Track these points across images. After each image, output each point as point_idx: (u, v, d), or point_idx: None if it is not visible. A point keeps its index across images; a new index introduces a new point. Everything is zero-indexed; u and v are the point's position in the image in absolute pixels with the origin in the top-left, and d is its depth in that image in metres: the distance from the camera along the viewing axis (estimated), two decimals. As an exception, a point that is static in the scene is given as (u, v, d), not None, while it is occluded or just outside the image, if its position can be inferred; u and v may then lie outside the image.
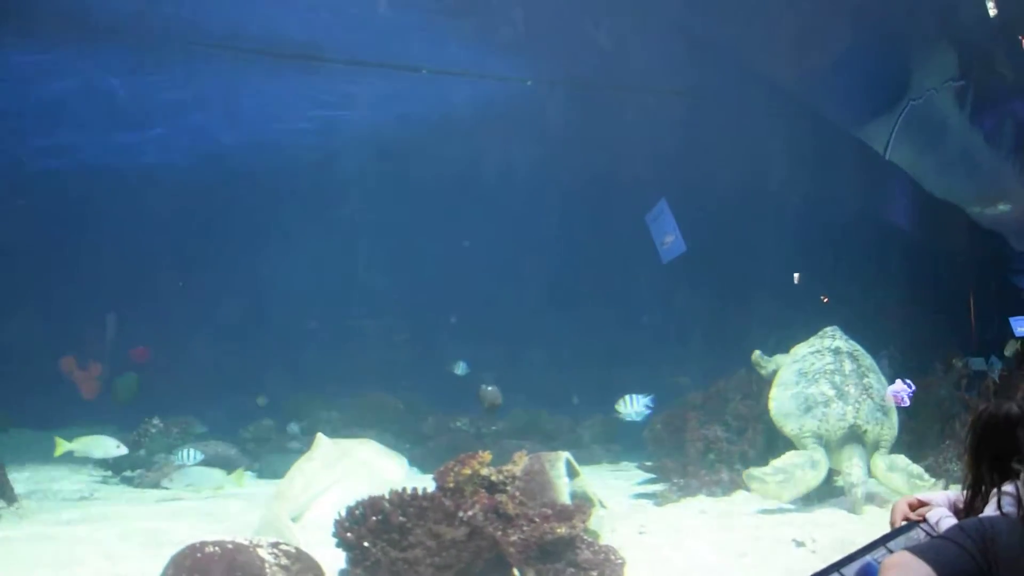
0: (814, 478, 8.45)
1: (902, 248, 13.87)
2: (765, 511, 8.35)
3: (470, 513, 5.33)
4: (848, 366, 9.16)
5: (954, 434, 9.51)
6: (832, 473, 8.72)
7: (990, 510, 2.71)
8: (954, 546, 2.35)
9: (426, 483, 5.83)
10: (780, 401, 9.19)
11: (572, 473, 6.84)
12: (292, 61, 13.74)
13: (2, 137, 14.61)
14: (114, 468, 11.33)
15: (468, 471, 5.50)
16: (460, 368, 12.75)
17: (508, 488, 5.53)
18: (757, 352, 10.04)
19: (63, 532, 7.75)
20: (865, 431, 8.56)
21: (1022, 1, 10.06)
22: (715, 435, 9.77)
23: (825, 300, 14.96)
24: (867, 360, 9.43)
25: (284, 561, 4.96)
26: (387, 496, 5.42)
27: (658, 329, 15.92)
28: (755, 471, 8.60)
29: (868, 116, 12.64)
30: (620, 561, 5.50)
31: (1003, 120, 11.38)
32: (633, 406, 10.36)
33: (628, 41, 12.85)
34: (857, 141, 12.96)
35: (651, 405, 10.41)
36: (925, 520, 3.03)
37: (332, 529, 5.46)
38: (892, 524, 3.14)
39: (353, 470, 8.24)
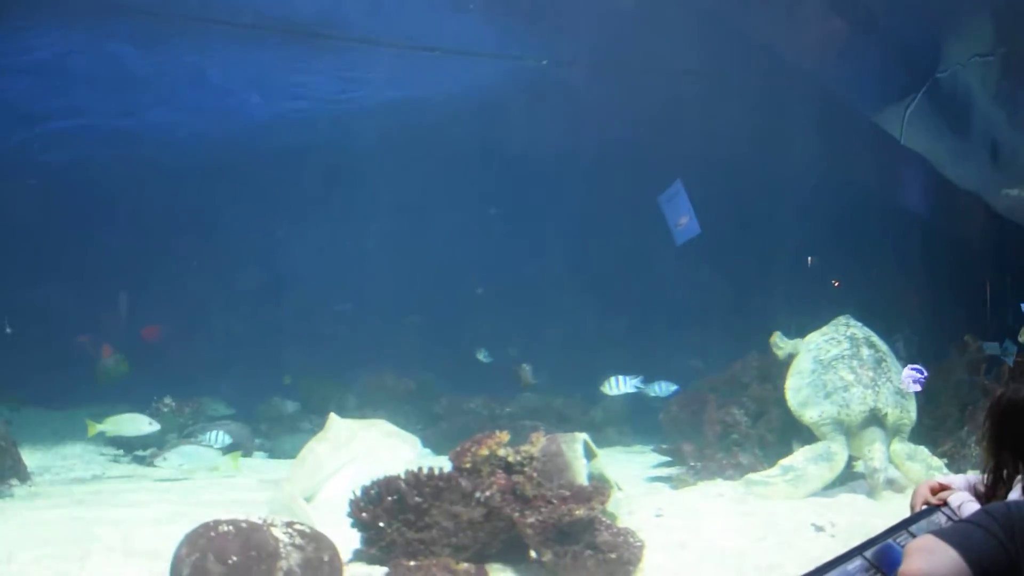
0: (830, 471, 8.30)
1: (918, 233, 13.72)
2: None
3: (487, 494, 5.25)
4: (865, 351, 9.04)
5: (973, 419, 9.39)
6: (851, 459, 8.62)
7: (1015, 495, 2.68)
8: (980, 530, 2.29)
9: (440, 464, 5.75)
10: (797, 390, 9.05)
11: (589, 454, 6.76)
12: (305, 39, 13.62)
13: (10, 115, 14.57)
14: (126, 447, 11.31)
15: (485, 451, 5.41)
16: (483, 355, 12.70)
17: (526, 469, 5.43)
18: (778, 333, 9.90)
19: (76, 510, 7.73)
20: (886, 415, 8.44)
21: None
22: (733, 418, 9.65)
23: (836, 284, 14.84)
24: (883, 346, 9.31)
25: (299, 540, 4.89)
26: (403, 476, 5.34)
27: (677, 311, 15.79)
28: (755, 476, 8.46)
29: (886, 100, 12.45)
30: (639, 544, 5.41)
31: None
32: (619, 387, 10.31)
33: (643, 20, 12.67)
34: (874, 124, 12.80)
35: (640, 386, 10.34)
36: (946, 504, 2.99)
37: (347, 509, 5.39)
38: (913, 508, 3.10)
39: (366, 450, 8.18)
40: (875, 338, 9.36)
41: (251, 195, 16.15)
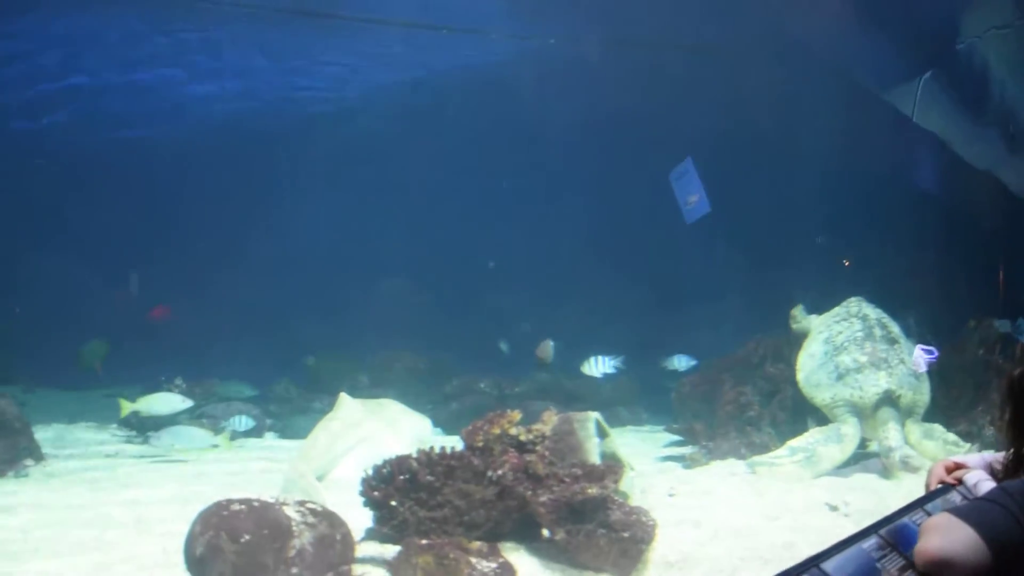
0: (840, 452, 8.26)
1: (933, 212, 13.61)
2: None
3: (499, 473, 5.22)
4: (878, 332, 8.96)
5: (986, 399, 9.33)
6: (864, 439, 8.57)
7: None
8: (998, 508, 2.26)
9: (452, 443, 5.73)
10: (809, 371, 8.99)
11: (601, 434, 6.73)
12: (312, 19, 13.57)
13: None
14: (138, 428, 11.32)
15: (497, 430, 5.38)
16: (504, 346, 12.66)
17: (538, 448, 5.41)
18: (800, 306, 9.78)
19: (91, 490, 7.78)
20: (899, 396, 8.38)
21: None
22: (746, 398, 9.60)
23: (847, 263, 14.74)
24: (895, 327, 9.23)
25: (311, 519, 4.89)
26: (415, 455, 5.33)
27: (691, 287, 15.73)
28: (763, 457, 8.43)
29: (899, 77, 12.33)
30: (651, 522, 5.38)
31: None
32: (599, 367, 10.28)
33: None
34: (887, 102, 12.70)
35: (620, 367, 10.30)
36: (962, 483, 2.96)
37: (358, 488, 5.38)
38: (928, 487, 3.07)
39: (377, 430, 8.18)
40: (888, 319, 9.27)
41: (264, 172, 16.15)
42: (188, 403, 10.19)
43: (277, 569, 4.63)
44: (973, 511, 2.29)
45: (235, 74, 15.19)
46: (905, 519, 2.76)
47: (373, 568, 4.92)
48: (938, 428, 8.49)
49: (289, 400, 12.74)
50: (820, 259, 14.24)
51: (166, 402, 10.17)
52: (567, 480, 5.26)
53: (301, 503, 5.04)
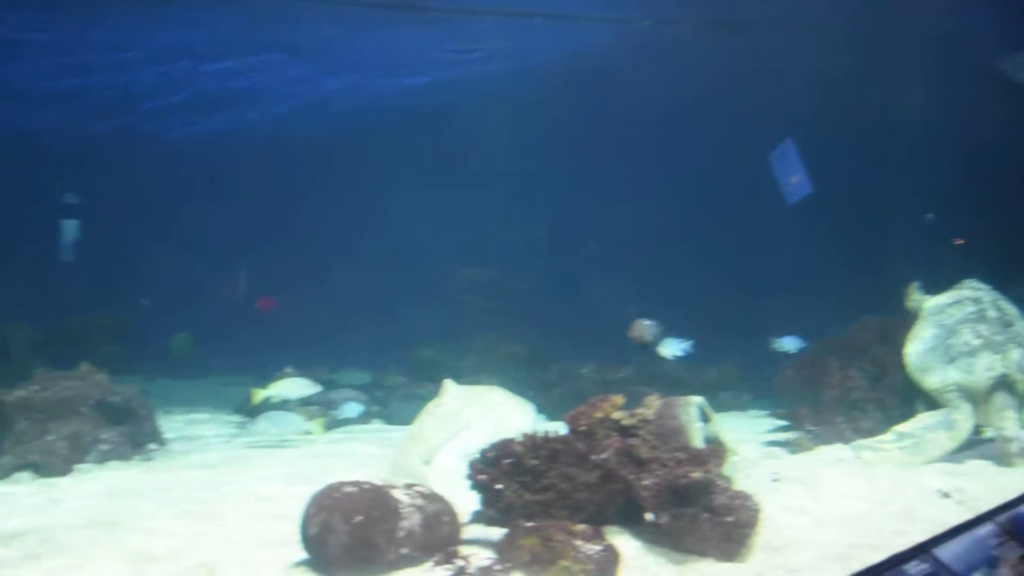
0: (951, 439, 7.98)
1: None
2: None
3: (603, 456, 5.27)
4: (992, 314, 8.60)
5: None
6: (978, 426, 8.28)
7: None
8: None
9: (555, 428, 5.80)
10: (917, 355, 8.68)
11: (704, 418, 6.71)
12: (405, 12, 13.78)
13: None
14: (251, 414, 11.79)
15: (600, 414, 5.42)
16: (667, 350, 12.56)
17: (641, 432, 5.43)
18: (915, 284, 9.48)
19: (210, 473, 8.17)
20: (1016, 381, 8.06)
21: None
22: (852, 381, 9.39)
23: (959, 242, 14.21)
24: (1012, 309, 8.83)
25: (419, 501, 5.04)
26: (519, 439, 5.41)
27: (791, 271, 15.44)
28: (867, 441, 8.21)
29: (1012, 44, 11.81)
30: (755, 507, 5.34)
31: None
32: (673, 349, 10.10)
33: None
34: (999, 71, 12.17)
35: (689, 350, 10.12)
36: None
37: (464, 472, 5.50)
38: None
39: (481, 415, 8.30)
40: (1003, 301, 8.88)
41: (370, 166, 16.51)
42: (317, 388, 10.66)
43: (387, 549, 4.80)
44: None
45: (343, 70, 15.54)
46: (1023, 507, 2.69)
47: (479, 549, 5.04)
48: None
49: (395, 387, 13.06)
50: (926, 241, 13.76)
51: (297, 387, 10.63)
52: (670, 464, 5.27)
53: (409, 486, 5.20)
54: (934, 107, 13.01)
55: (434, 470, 7.42)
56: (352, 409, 11.04)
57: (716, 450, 5.63)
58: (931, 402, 8.52)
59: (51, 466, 8.05)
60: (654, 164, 16.36)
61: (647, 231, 16.92)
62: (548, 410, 11.32)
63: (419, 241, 17.04)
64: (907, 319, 9.27)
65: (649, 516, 5.35)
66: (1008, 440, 7.80)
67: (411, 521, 4.91)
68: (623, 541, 5.18)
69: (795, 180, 13.19)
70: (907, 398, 9.11)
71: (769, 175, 13.63)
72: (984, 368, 8.14)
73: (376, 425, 12.04)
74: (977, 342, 8.34)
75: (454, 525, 5.16)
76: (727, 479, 6.07)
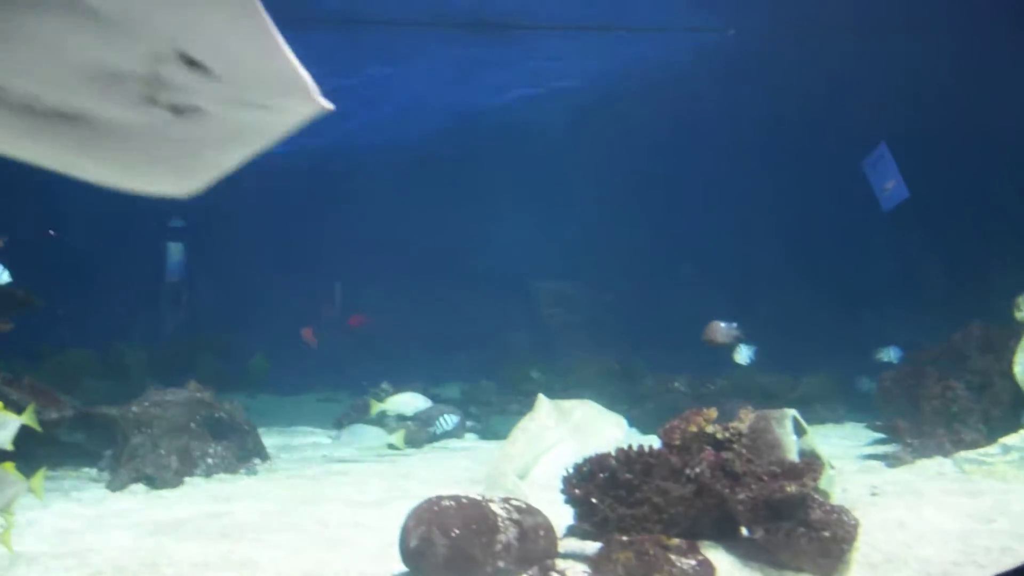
0: None
1: None
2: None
3: (697, 470, 5.30)
4: (1111, 321, 8.31)
5: None
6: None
7: None
8: None
9: (648, 442, 5.84)
10: None
11: (799, 431, 6.65)
12: (489, 32, 14.00)
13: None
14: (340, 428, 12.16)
15: (694, 428, 5.46)
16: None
17: (735, 445, 5.44)
18: None
19: (311, 486, 8.46)
20: None
21: None
22: (953, 392, 9.15)
23: None
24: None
25: (516, 515, 5.14)
26: (613, 454, 5.48)
27: (887, 282, 15.09)
28: (970, 454, 7.97)
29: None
30: (853, 522, 5.29)
31: None
32: (743, 357, 9.90)
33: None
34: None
35: (752, 357, 9.87)
36: None
37: (559, 486, 5.59)
38: None
39: (574, 430, 8.39)
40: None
41: (458, 185, 16.79)
42: (428, 403, 11.02)
43: (485, 562, 4.91)
44: None
45: (430, 90, 15.90)
46: None
47: (575, 563, 5.11)
48: None
49: (488, 403, 13.26)
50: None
51: (411, 401, 11.03)
52: (765, 478, 5.26)
53: (506, 500, 5.31)
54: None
55: (529, 484, 7.53)
56: (447, 423, 11.36)
57: (811, 463, 5.60)
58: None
59: (163, 479, 8.44)
60: (746, 175, 16.18)
61: (739, 242, 16.76)
62: (641, 424, 11.32)
63: (510, 260, 17.22)
64: (1011, 327, 9.00)
65: (744, 530, 5.35)
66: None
67: (508, 534, 5.02)
68: (717, 555, 5.18)
69: (891, 185, 12.95)
70: (1014, 409, 8.84)
71: (864, 182, 13.39)
72: (1098, 378, 7.86)
73: (471, 440, 12.24)
74: (1090, 351, 8.05)
75: (550, 538, 5.25)
76: (823, 493, 6.01)
